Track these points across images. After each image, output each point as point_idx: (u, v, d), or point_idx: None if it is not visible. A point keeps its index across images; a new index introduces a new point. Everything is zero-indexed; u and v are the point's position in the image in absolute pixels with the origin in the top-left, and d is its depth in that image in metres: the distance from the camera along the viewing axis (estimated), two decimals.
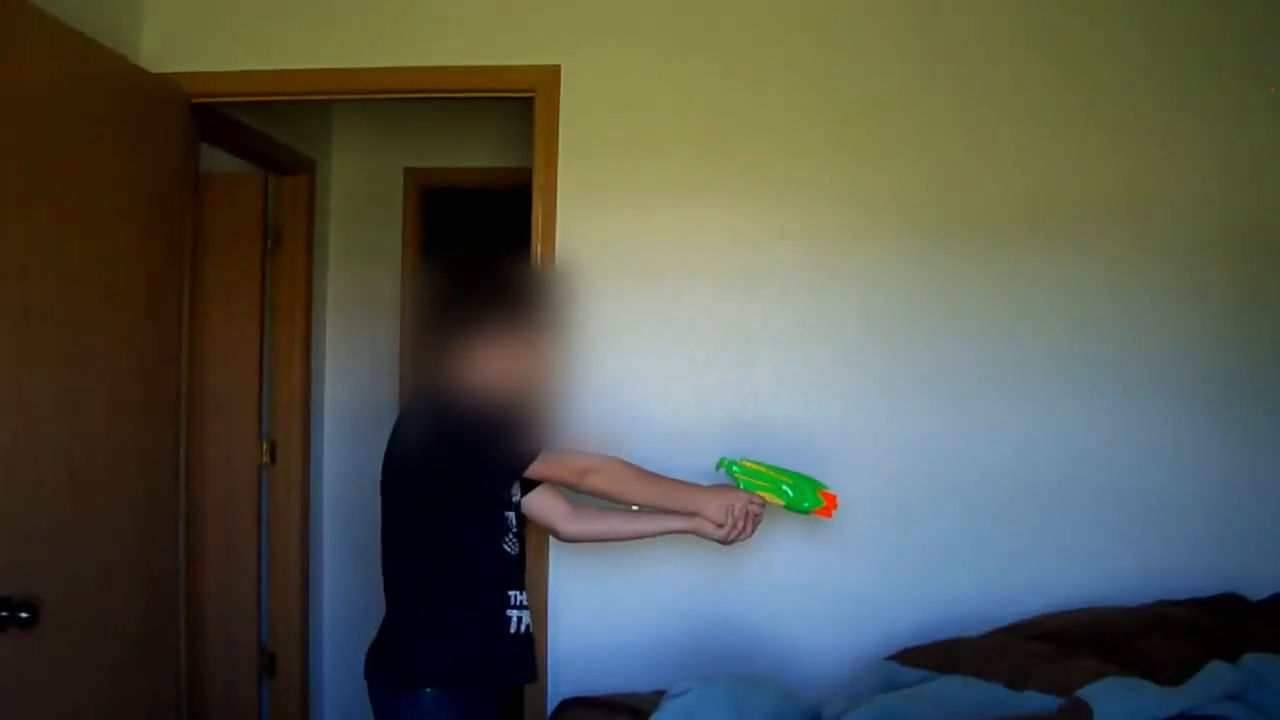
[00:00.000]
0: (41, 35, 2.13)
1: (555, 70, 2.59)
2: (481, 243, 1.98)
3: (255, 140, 3.32)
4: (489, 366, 1.90)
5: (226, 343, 3.38)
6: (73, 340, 2.22)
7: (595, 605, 2.56)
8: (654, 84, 2.59)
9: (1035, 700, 1.90)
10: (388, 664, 1.87)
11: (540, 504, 2.08)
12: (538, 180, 2.60)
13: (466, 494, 1.88)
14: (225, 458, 3.39)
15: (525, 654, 1.95)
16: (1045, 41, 2.53)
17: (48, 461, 2.13)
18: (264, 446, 3.55)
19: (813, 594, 2.53)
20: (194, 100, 2.65)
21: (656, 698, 2.06)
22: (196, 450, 2.85)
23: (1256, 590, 2.37)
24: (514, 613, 1.92)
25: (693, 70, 2.58)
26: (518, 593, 1.93)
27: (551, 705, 2.47)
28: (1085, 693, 1.83)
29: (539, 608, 2.54)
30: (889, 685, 2.09)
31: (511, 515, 1.96)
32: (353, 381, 3.92)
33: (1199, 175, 2.50)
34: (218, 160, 3.28)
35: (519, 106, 2.71)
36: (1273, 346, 2.50)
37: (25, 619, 1.99)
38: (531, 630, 1.96)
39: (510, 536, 1.94)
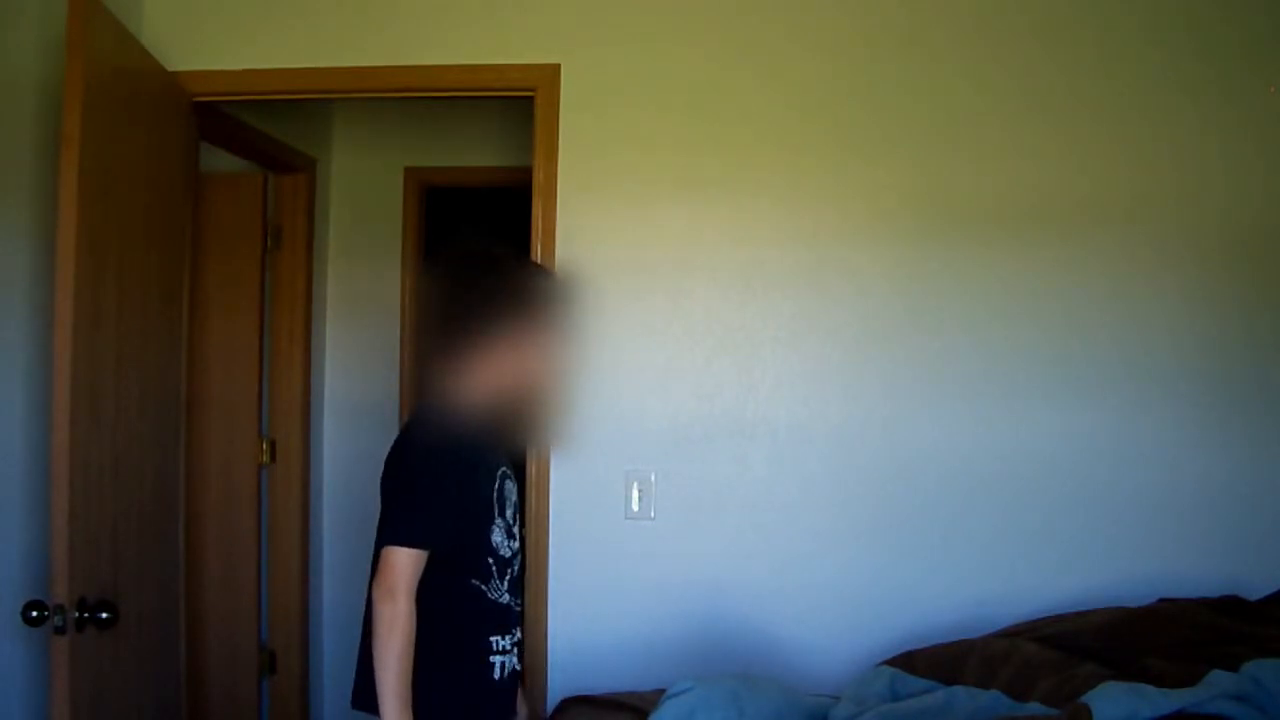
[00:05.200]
0: (104, 35, 2.14)
1: (555, 69, 2.59)
2: (482, 244, 1.95)
3: (255, 139, 3.32)
4: (489, 371, 1.87)
5: (226, 342, 3.38)
6: (119, 341, 2.23)
7: (596, 604, 2.56)
8: (654, 83, 2.58)
9: (1037, 710, 1.91)
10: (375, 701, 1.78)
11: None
12: (538, 179, 2.59)
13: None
14: (225, 458, 3.39)
15: (509, 693, 1.90)
16: (1050, 40, 2.52)
17: (104, 462, 2.14)
18: (264, 446, 3.55)
19: (813, 594, 2.52)
20: (195, 99, 2.65)
21: (657, 696, 2.06)
22: (196, 450, 2.85)
23: (1258, 591, 2.37)
24: (497, 658, 1.86)
25: (693, 69, 2.58)
26: (499, 638, 1.86)
27: (552, 704, 2.47)
28: (1084, 696, 1.83)
29: (538, 607, 2.54)
30: (894, 693, 2.09)
31: (492, 562, 1.86)
32: (353, 381, 3.92)
33: (1204, 176, 2.49)
34: (217, 159, 3.28)
35: (520, 105, 2.70)
36: (1275, 347, 2.50)
37: (105, 619, 2.01)
38: (517, 669, 1.91)
39: (495, 582, 1.87)
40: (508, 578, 1.91)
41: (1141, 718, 1.75)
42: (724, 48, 2.58)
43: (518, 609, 1.95)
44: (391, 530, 1.78)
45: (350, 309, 3.95)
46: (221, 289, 3.34)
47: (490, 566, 1.87)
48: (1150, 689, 1.82)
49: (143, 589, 2.32)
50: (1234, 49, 2.50)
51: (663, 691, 2.03)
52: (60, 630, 1.92)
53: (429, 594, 1.77)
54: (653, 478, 2.57)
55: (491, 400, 1.89)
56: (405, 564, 1.75)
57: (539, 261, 2.52)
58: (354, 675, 1.87)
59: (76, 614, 1.95)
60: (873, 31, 2.56)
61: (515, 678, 1.92)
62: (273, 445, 3.59)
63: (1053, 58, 2.52)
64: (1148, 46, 2.52)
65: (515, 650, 1.92)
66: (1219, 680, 1.85)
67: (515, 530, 1.96)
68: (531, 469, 2.57)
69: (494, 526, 1.88)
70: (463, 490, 1.85)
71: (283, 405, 3.62)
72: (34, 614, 1.92)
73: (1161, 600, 2.36)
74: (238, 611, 3.40)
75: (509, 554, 1.91)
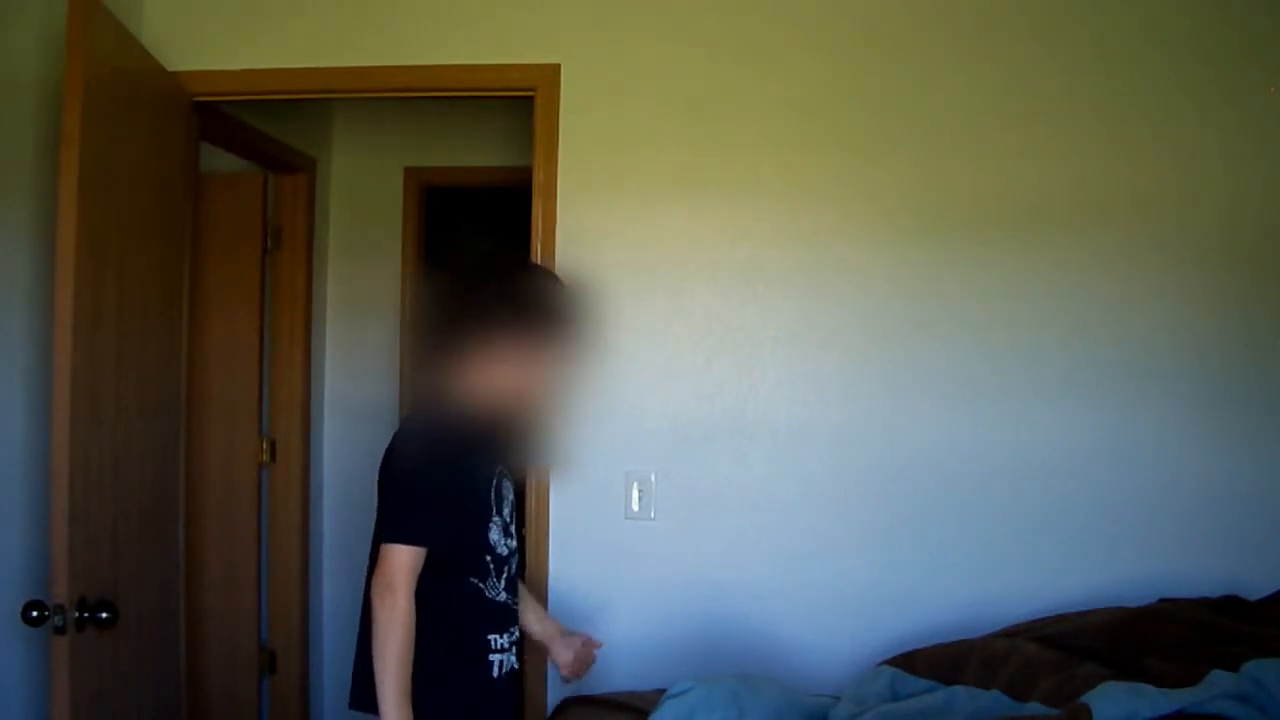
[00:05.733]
0: (104, 35, 2.14)
1: (555, 69, 2.59)
2: (488, 251, 1.94)
3: (255, 139, 3.32)
4: (488, 377, 1.87)
5: (226, 342, 3.38)
6: (119, 341, 2.22)
7: (596, 604, 2.56)
8: (654, 83, 2.58)
9: (1037, 710, 1.91)
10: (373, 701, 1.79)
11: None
12: (538, 179, 2.59)
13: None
14: (225, 457, 3.39)
15: (508, 693, 1.91)
16: (1050, 40, 2.52)
17: (104, 462, 2.14)
18: (264, 446, 3.55)
19: (813, 594, 2.52)
20: (195, 99, 2.65)
21: (657, 696, 2.06)
22: (196, 450, 2.85)
23: (1258, 591, 2.37)
24: (496, 657, 1.87)
25: (693, 69, 2.58)
26: (497, 636, 1.88)
27: (552, 703, 2.47)
28: (1084, 696, 1.83)
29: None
30: (894, 693, 2.09)
31: (490, 560, 1.88)
32: (353, 381, 3.92)
33: (1204, 176, 2.49)
34: (217, 159, 3.28)
35: (520, 105, 2.70)
36: (1275, 347, 2.49)
37: (105, 619, 2.01)
38: (515, 668, 1.92)
39: (493, 580, 1.88)
40: (505, 576, 1.91)
41: (1141, 718, 1.75)
42: (724, 48, 2.58)
43: (515, 608, 1.95)
44: (390, 528, 1.78)
45: (350, 309, 3.95)
46: (221, 289, 3.34)
47: (488, 564, 1.87)
48: (1150, 689, 1.82)
49: (143, 589, 2.32)
50: (1234, 49, 2.49)
51: (663, 691, 2.03)
52: (60, 630, 1.92)
53: (427, 593, 1.78)
54: (653, 478, 2.57)
55: (489, 407, 1.88)
56: (404, 561, 1.75)
57: (546, 269, 2.50)
58: (351, 676, 1.87)
59: (76, 614, 1.95)
60: (873, 31, 2.56)
61: (514, 677, 1.92)
62: (273, 445, 3.59)
63: (1053, 58, 2.52)
64: (1148, 46, 2.51)
65: (513, 649, 1.92)
66: (1219, 680, 1.85)
67: (512, 529, 1.96)
68: (532, 469, 2.57)
69: (491, 524, 1.89)
70: (460, 487, 1.85)
71: (283, 405, 3.62)
72: (34, 614, 1.92)
73: (1161, 600, 2.36)
74: (238, 611, 3.40)
75: (506, 552, 1.91)
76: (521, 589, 2.07)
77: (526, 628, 2.08)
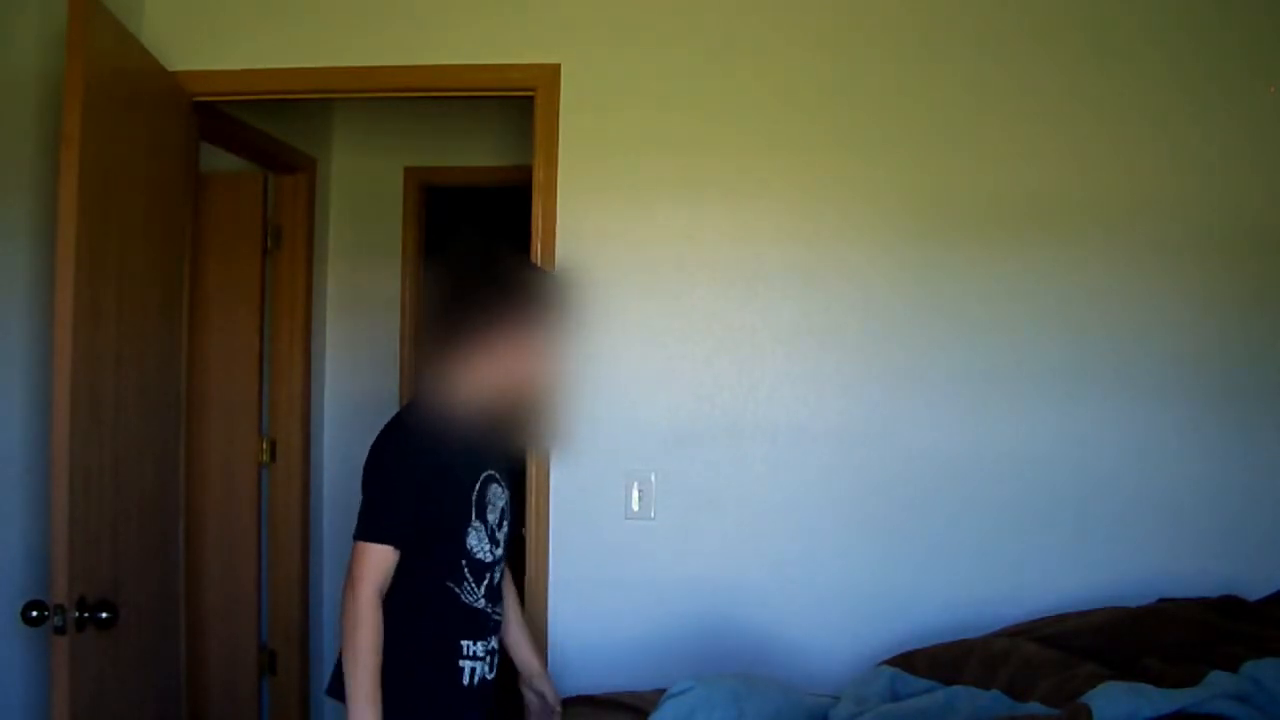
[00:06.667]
0: (104, 35, 2.14)
1: (555, 69, 2.59)
2: (484, 245, 1.96)
3: (255, 139, 3.32)
4: (488, 370, 1.88)
5: (226, 342, 3.38)
6: (119, 341, 2.23)
7: (596, 604, 2.56)
8: (654, 83, 2.59)
9: (1037, 710, 1.91)
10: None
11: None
12: (538, 178, 2.59)
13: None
14: (225, 457, 3.39)
15: (480, 703, 1.91)
16: (1049, 40, 2.52)
17: (104, 462, 2.14)
18: (264, 446, 3.55)
19: (813, 594, 2.52)
20: (195, 99, 2.65)
21: (658, 696, 2.06)
22: (196, 450, 2.85)
23: (1258, 591, 2.37)
24: (467, 663, 1.87)
25: (693, 69, 2.58)
26: (471, 643, 1.88)
27: None
28: (1084, 696, 1.83)
29: (539, 606, 2.54)
30: (894, 693, 2.09)
31: (465, 565, 1.87)
32: (353, 380, 3.92)
33: (1203, 176, 2.49)
34: (217, 159, 3.28)
35: (520, 105, 2.70)
36: (1274, 348, 2.49)
37: (105, 619, 2.02)
38: (488, 679, 1.91)
39: (470, 585, 1.88)
40: (484, 583, 1.90)
41: (1141, 718, 1.75)
42: (725, 48, 2.58)
43: (496, 618, 1.94)
44: (360, 525, 1.82)
45: (350, 309, 3.95)
46: (221, 289, 3.34)
47: (463, 569, 1.86)
48: (1150, 689, 1.83)
49: (143, 589, 2.32)
50: (1234, 49, 2.50)
51: (663, 691, 2.03)
52: (60, 630, 1.92)
53: (401, 592, 1.79)
54: (653, 478, 2.57)
55: (490, 400, 1.89)
56: (371, 559, 1.78)
57: (538, 262, 2.52)
58: (334, 665, 1.88)
59: (76, 614, 1.95)
60: (873, 31, 2.56)
61: (486, 686, 1.92)
62: (273, 445, 3.59)
63: (1052, 57, 2.52)
64: (1147, 46, 2.52)
65: (489, 659, 1.91)
66: (1219, 680, 1.85)
67: (499, 537, 1.95)
68: (531, 469, 2.57)
69: (470, 529, 1.88)
70: (436, 489, 1.85)
71: (283, 405, 3.62)
72: (34, 614, 1.92)
73: (1161, 600, 2.36)
74: (238, 611, 3.40)
75: (487, 559, 1.90)
76: (514, 610, 2.09)
77: (512, 650, 2.08)
